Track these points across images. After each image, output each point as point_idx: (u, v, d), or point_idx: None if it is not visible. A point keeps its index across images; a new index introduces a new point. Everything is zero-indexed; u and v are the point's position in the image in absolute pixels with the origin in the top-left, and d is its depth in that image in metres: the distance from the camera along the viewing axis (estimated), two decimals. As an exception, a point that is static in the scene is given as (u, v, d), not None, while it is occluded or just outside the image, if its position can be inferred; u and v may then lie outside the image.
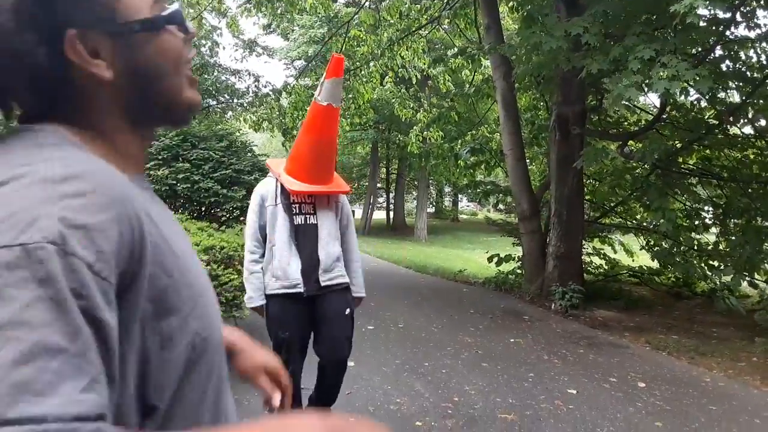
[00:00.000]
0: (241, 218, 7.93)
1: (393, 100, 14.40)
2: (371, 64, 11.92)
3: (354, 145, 28.69)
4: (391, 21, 11.73)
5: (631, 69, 5.70)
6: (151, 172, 6.95)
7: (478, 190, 12.28)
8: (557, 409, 4.03)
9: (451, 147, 12.71)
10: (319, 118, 2.75)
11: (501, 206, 13.31)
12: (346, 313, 2.94)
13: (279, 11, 11.23)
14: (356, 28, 11.85)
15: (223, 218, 7.75)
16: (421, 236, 25.29)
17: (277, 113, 10.85)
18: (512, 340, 6.11)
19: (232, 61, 43.99)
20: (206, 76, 12.37)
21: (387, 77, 12.74)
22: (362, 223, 28.37)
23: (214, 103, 12.96)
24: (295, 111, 11.20)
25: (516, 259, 9.93)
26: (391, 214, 30.96)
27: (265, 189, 2.94)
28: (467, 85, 12.89)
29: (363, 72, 12.60)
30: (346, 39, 12.01)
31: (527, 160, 9.91)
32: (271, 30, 21.88)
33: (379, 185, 31.95)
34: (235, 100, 12.12)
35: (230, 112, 12.07)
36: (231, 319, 4.71)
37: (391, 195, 32.19)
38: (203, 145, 7.55)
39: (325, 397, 3.10)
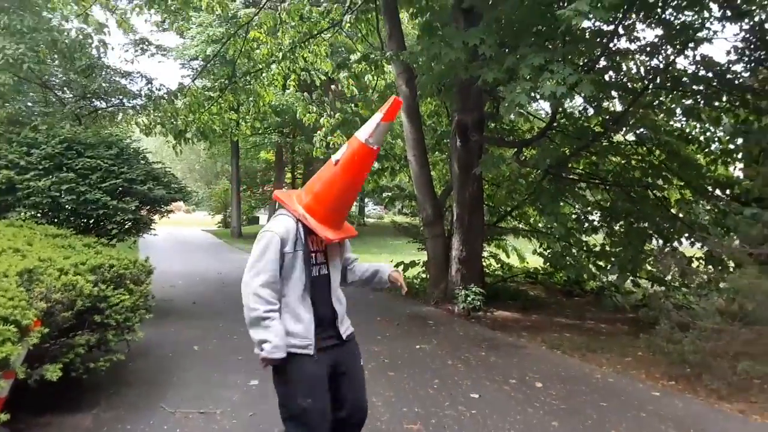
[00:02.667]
0: (134, 230, 7.49)
1: (295, 105, 14.22)
2: (273, 66, 11.67)
3: (257, 149, 28.11)
4: (292, 23, 11.55)
5: (523, 76, 5.98)
6: (31, 183, 6.37)
7: (384, 195, 12.40)
8: (461, 415, 4.11)
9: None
10: (363, 159, 2.50)
11: (406, 211, 13.50)
12: (361, 363, 2.75)
13: (173, 8, 10.69)
14: (256, 30, 11.55)
15: (114, 231, 7.25)
16: (328, 241, 25.17)
17: (170, 116, 10.31)
18: (418, 346, 6.19)
19: (122, 62, 41.52)
20: (94, 76, 11.57)
21: (290, 80, 12.54)
22: (267, 228, 27.79)
23: (103, 105, 12.15)
24: (190, 114, 10.72)
25: (421, 264, 10.11)
26: (298, 218, 30.60)
27: (284, 230, 2.49)
28: (371, 91, 12.97)
29: (265, 74, 12.32)
30: (246, 40, 11.69)
31: (430, 166, 10.12)
32: (165, 27, 20.88)
33: (284, 190, 31.50)
34: (127, 103, 11.41)
35: (121, 115, 11.33)
36: (123, 342, 4.41)
37: (297, 199, 31.80)
38: (90, 153, 7.02)
39: None
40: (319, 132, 12.22)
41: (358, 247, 24.53)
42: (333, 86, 14.41)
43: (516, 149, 9.00)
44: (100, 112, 11.30)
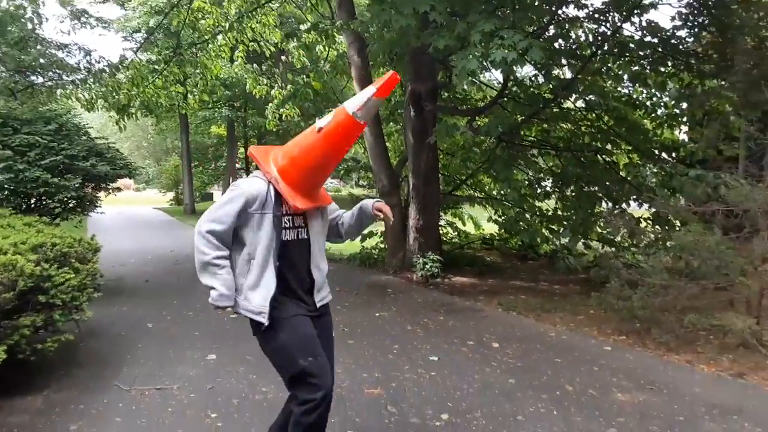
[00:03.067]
0: (78, 209, 7.21)
1: (245, 77, 13.84)
2: (219, 37, 11.30)
3: (207, 124, 27.40)
4: (238, -8, 11.18)
5: (474, 42, 5.96)
6: (-37, 162, 6.02)
7: (339, 167, 12.29)
8: (420, 378, 4.16)
9: (309, 124, 12.53)
10: (347, 132, 2.39)
11: (363, 182, 13.46)
12: (333, 335, 2.67)
13: (111, -22, 10.19)
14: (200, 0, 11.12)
15: (57, 210, 6.95)
16: (284, 216, 24.91)
17: (111, 89, 9.85)
18: (377, 314, 6.22)
19: (58, 34, 39.40)
20: (29, 49, 10.96)
21: (238, 51, 12.17)
22: (221, 205, 27.39)
23: (41, 80, 11.55)
24: (133, 87, 10.28)
25: (378, 234, 10.13)
26: (252, 194, 30.09)
27: (254, 190, 2.41)
28: (322, 62, 12.73)
29: (211, 46, 11.92)
30: (189, 11, 11.24)
31: (384, 137, 10.06)
32: (104, -1, 19.93)
33: (238, 165, 30.85)
34: (65, 77, 10.86)
35: (60, 91, 10.78)
36: (72, 322, 4.25)
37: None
38: (27, 129, 6.68)
39: None
40: (270, 104, 11.97)
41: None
42: (283, 57, 14.08)
43: (469, 118, 9.03)
44: (36, 87, 10.72)
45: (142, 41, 16.09)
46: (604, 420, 3.43)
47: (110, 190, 7.80)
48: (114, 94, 10.27)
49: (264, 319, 2.37)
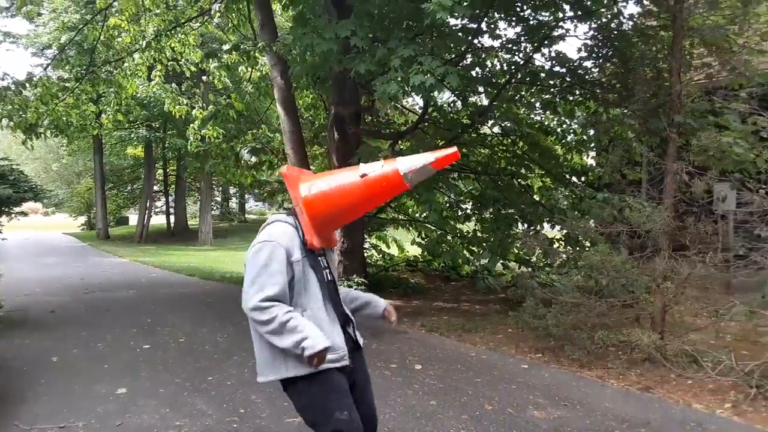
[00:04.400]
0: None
1: (163, 96, 13.43)
2: (136, 55, 10.93)
3: (123, 144, 26.33)
4: (157, 11, 10.89)
5: (394, 67, 6.11)
6: None
7: (262, 190, 12.13)
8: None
9: (231, 146, 12.31)
10: (390, 189, 2.32)
11: (288, 205, 13.32)
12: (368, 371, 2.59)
13: (18, -9, 9.65)
14: (116, 16, 10.74)
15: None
16: (206, 240, 24.19)
17: (18, 107, 9.26)
18: (300, 339, 6.11)
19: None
20: None
21: (156, 71, 11.82)
22: (138, 230, 26.26)
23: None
24: (41, 105, 9.72)
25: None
26: (172, 218, 29.02)
27: (287, 238, 2.27)
28: (245, 83, 12.59)
29: (127, 64, 11.51)
30: (105, 27, 10.83)
31: (310, 160, 10.04)
32: (12, 13, 18.89)
33: (156, 188, 29.73)
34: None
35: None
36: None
37: (171, 198, 30.16)
38: None
39: None
40: (192, 126, 11.67)
41: (240, 244, 23.82)
42: (204, 77, 13.80)
43: (392, 141, 9.18)
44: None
45: (53, 57, 15.30)
46: (521, 437, 3.53)
47: (13, 215, 7.32)
48: (21, 112, 9.66)
49: (347, 361, 2.30)
